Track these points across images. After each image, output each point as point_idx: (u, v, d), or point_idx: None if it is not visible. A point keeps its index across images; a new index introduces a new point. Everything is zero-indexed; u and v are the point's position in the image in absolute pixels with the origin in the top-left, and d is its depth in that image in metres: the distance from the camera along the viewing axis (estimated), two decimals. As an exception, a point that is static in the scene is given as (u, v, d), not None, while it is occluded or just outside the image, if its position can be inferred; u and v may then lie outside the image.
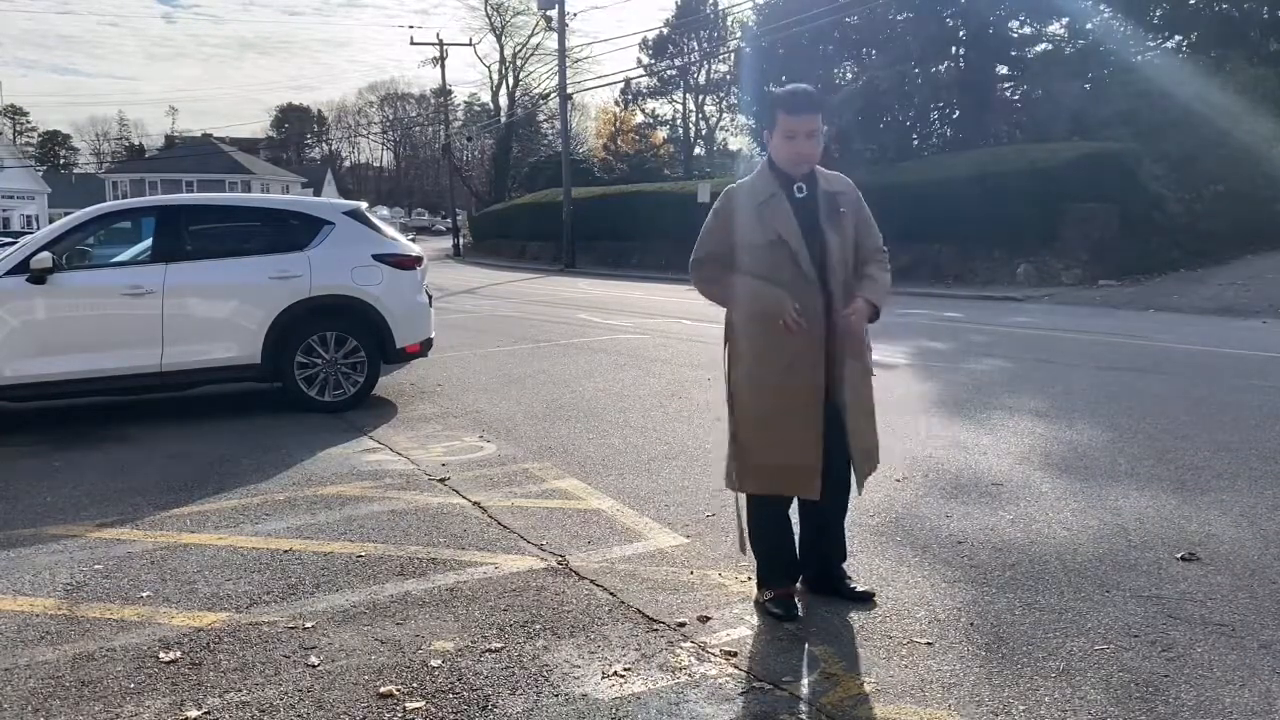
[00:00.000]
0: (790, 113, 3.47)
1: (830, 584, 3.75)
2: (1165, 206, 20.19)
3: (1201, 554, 4.14)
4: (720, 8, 50.13)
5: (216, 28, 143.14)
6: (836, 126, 25.53)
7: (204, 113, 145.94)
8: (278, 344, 7.59)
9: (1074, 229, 19.62)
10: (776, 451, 3.50)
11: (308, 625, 3.58)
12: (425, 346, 8.33)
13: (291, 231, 7.89)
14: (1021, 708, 2.90)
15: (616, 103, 59.52)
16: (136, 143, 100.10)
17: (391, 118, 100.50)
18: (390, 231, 8.56)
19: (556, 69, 38.82)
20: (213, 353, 7.48)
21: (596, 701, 2.99)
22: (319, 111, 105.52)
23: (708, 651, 3.31)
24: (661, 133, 60.63)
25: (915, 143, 28.68)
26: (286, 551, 4.41)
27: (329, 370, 7.77)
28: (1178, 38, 25.75)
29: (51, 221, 26.29)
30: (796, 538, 3.77)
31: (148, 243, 7.76)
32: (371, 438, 6.78)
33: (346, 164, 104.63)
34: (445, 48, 51.98)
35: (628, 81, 55.88)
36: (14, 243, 10.36)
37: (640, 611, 3.65)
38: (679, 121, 59.26)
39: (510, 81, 64.14)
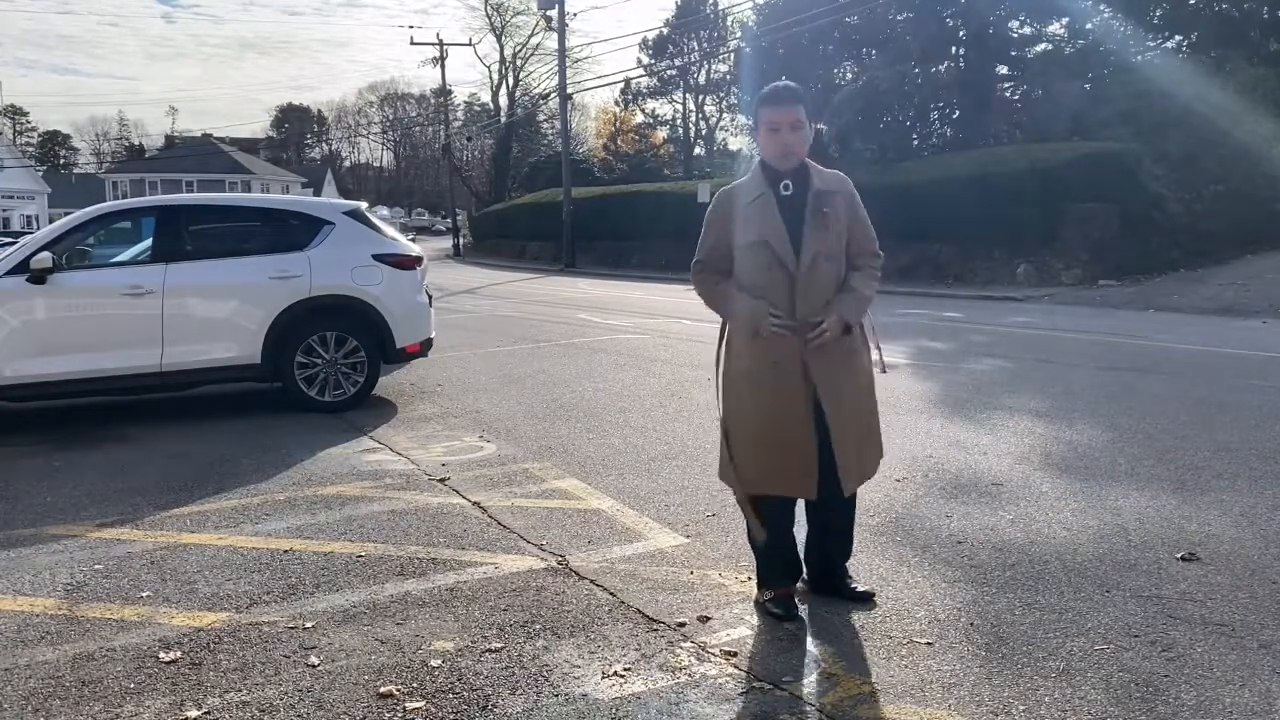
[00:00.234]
0: (771, 105, 3.48)
1: (831, 584, 3.74)
2: (1165, 206, 20.19)
3: (1201, 554, 4.14)
4: (720, 8, 50.17)
5: (216, 28, 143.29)
6: (836, 126, 25.53)
7: (204, 113, 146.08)
8: (278, 344, 7.59)
9: (1074, 229, 19.63)
10: (768, 452, 3.50)
11: (308, 625, 3.58)
12: (425, 346, 8.33)
13: (291, 231, 7.89)
14: (1021, 708, 2.90)
15: (616, 103, 59.58)
16: (136, 143, 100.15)
17: (391, 118, 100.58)
18: (390, 231, 8.56)
19: (556, 69, 38.86)
20: (213, 353, 7.48)
21: (596, 701, 2.99)
22: (319, 111, 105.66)
23: (708, 651, 3.31)
24: (661, 133, 60.63)
25: (915, 143, 28.66)
26: (286, 551, 4.41)
27: (329, 370, 7.77)
28: (1178, 38, 25.76)
29: (51, 221, 26.30)
30: (803, 537, 3.76)
31: (148, 243, 7.76)
32: (371, 438, 6.78)
33: (346, 164, 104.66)
34: (445, 48, 52.01)
35: (628, 81, 55.94)
36: (14, 243, 10.36)
37: (640, 611, 3.65)
38: (679, 121, 59.29)
39: (510, 81, 64.18)
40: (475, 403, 8.05)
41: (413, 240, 9.85)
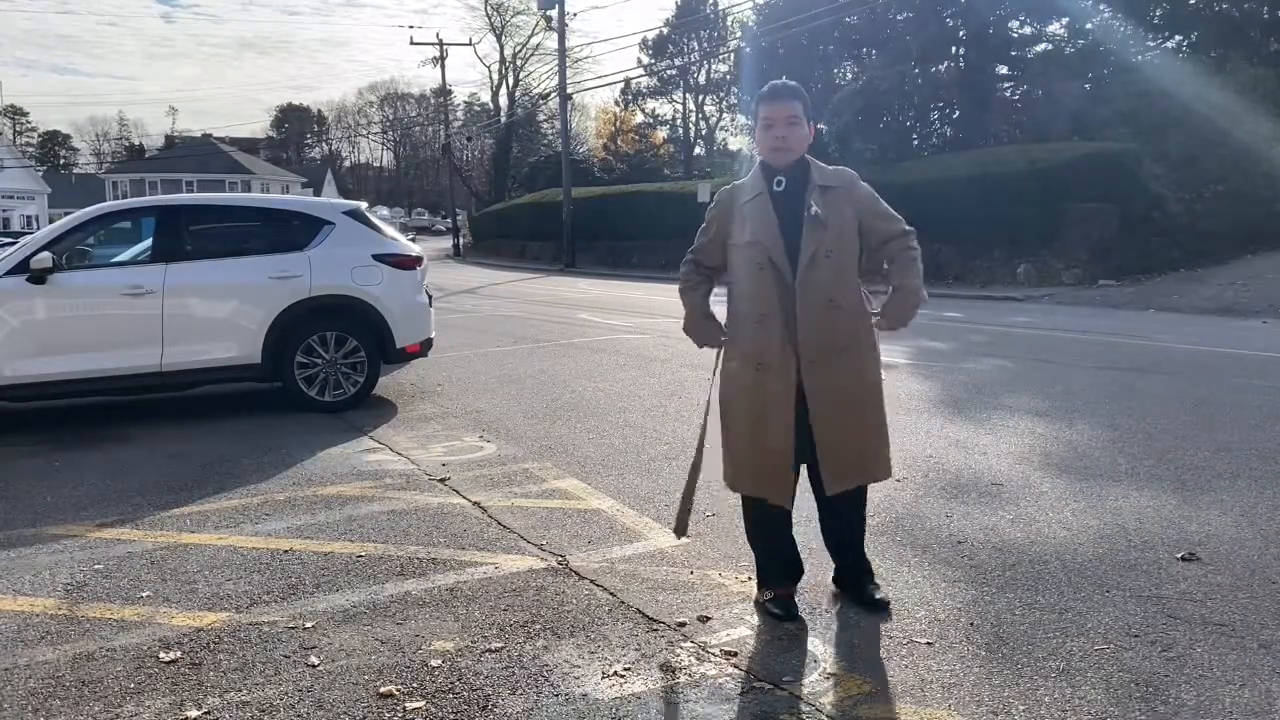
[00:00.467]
0: (767, 101, 3.48)
1: (851, 581, 3.70)
2: (1165, 206, 20.20)
3: (1201, 554, 4.14)
4: (720, 8, 50.19)
5: (216, 27, 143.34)
6: (836, 126, 25.55)
7: (204, 113, 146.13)
8: (278, 344, 7.59)
9: (1074, 229, 19.63)
10: (748, 453, 3.51)
11: (308, 625, 3.58)
12: (425, 346, 8.33)
13: (291, 231, 7.89)
14: (1021, 708, 2.90)
15: (616, 103, 59.58)
16: (136, 143, 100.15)
17: (391, 118, 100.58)
18: (390, 231, 8.55)
19: (556, 69, 38.88)
20: (213, 353, 7.48)
21: (596, 701, 2.99)
22: (319, 111, 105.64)
23: (708, 651, 3.31)
24: (661, 133, 60.63)
25: (915, 143, 28.67)
26: (286, 551, 4.41)
27: (329, 370, 7.77)
28: (1178, 38, 25.77)
29: (51, 221, 26.30)
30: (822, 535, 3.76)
31: (148, 243, 7.76)
32: (371, 438, 6.78)
33: (346, 164, 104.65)
34: (445, 48, 52.03)
35: (628, 81, 55.97)
36: (14, 243, 10.36)
37: (640, 611, 3.65)
38: (679, 121, 59.30)
39: (510, 81, 64.19)
40: (475, 403, 8.05)
41: (413, 240, 9.84)
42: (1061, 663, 3.18)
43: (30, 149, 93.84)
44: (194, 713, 2.96)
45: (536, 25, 57.59)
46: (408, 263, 8.15)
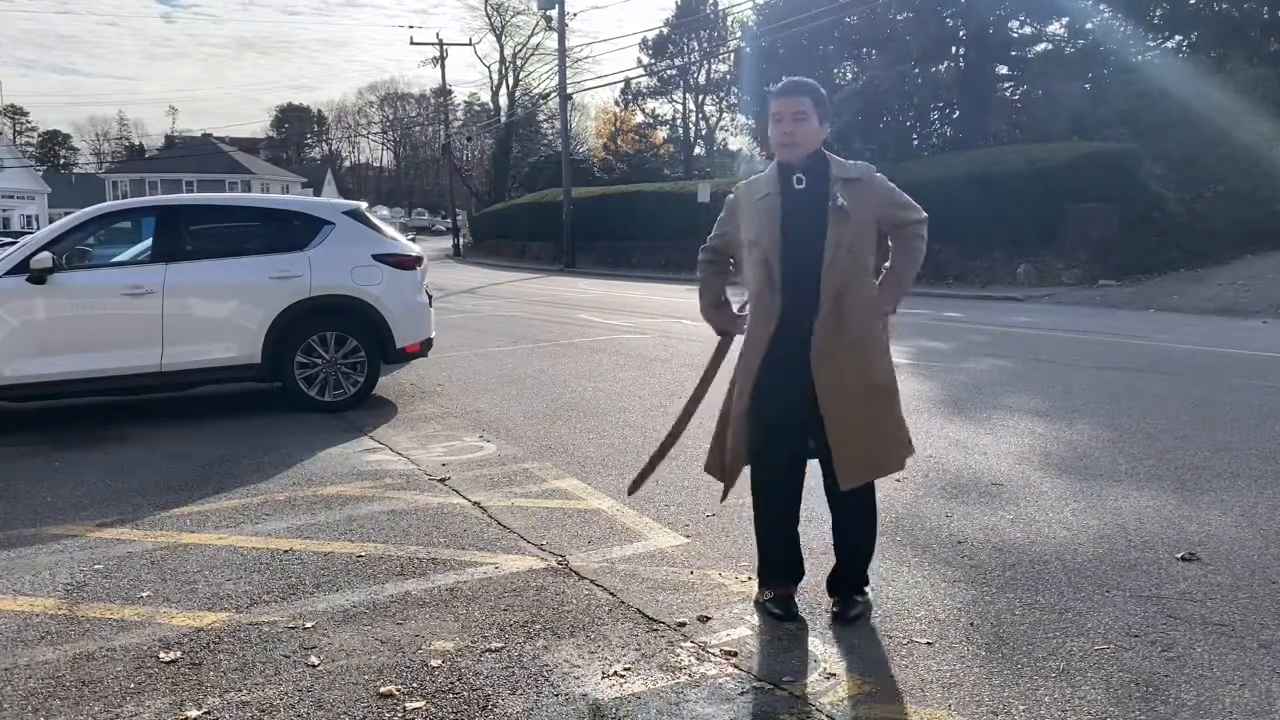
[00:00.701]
0: (777, 96, 3.49)
1: (835, 585, 3.68)
2: (1165, 206, 20.20)
3: (1201, 554, 4.14)
4: (720, 8, 50.19)
5: (215, 27, 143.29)
6: (836, 126, 25.53)
7: (204, 113, 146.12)
8: (278, 344, 7.59)
9: (1074, 229, 19.63)
10: (742, 422, 3.59)
11: (308, 625, 3.58)
12: (425, 346, 8.32)
13: (291, 231, 7.88)
14: (1021, 708, 2.90)
15: (616, 103, 59.59)
16: (136, 143, 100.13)
17: (391, 118, 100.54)
18: (390, 231, 8.55)
19: (556, 69, 38.88)
20: (213, 353, 7.48)
21: (596, 701, 2.99)
22: (319, 111, 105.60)
23: (708, 651, 3.31)
24: (661, 133, 60.65)
25: (915, 143, 28.69)
26: (286, 551, 4.41)
27: (329, 370, 7.77)
28: (1178, 38, 25.77)
29: (51, 221, 26.29)
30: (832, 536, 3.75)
31: (148, 243, 7.76)
32: (371, 438, 6.78)
33: (346, 164, 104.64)
34: (445, 48, 52.01)
35: (628, 81, 55.96)
36: (14, 243, 10.36)
37: (640, 611, 3.65)
38: (679, 121, 59.31)
39: (510, 81, 64.18)
40: (475, 403, 8.05)
41: (413, 240, 9.85)
42: (1061, 663, 3.18)
43: (30, 149, 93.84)
44: (194, 713, 2.96)
45: (536, 25, 57.62)
46: (408, 263, 8.15)
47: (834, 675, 3.14)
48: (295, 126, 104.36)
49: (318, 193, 71.93)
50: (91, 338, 7.22)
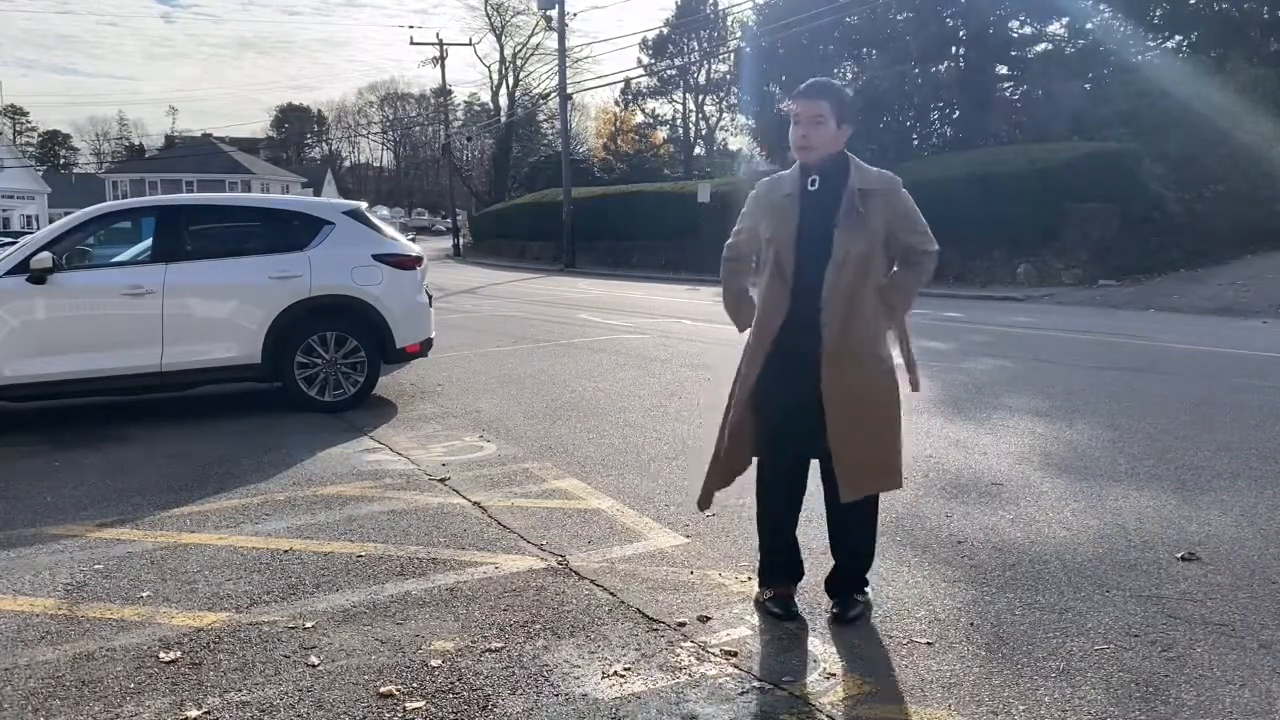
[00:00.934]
0: (796, 98, 3.49)
1: (834, 587, 3.68)
2: (1165, 206, 20.20)
3: (1201, 554, 4.14)
4: (720, 8, 50.20)
5: (215, 27, 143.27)
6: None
7: (204, 113, 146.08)
8: (278, 344, 7.59)
9: (1074, 229, 19.63)
10: (743, 415, 3.59)
11: (308, 625, 3.58)
12: (425, 346, 8.32)
13: (291, 231, 7.88)
14: (1021, 708, 2.90)
15: (616, 103, 59.60)
16: (136, 143, 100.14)
17: (391, 118, 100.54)
18: (390, 231, 8.55)
19: (556, 69, 38.88)
20: (213, 353, 7.48)
21: (596, 701, 2.99)
22: (319, 111, 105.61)
23: (708, 651, 3.31)
24: (661, 133, 60.67)
25: (915, 143, 28.70)
26: (286, 551, 4.41)
27: (329, 370, 7.77)
28: (1178, 38, 25.78)
29: (51, 221, 26.28)
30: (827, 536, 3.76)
31: (148, 243, 7.76)
32: (371, 438, 6.78)
33: (346, 164, 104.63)
34: (445, 48, 51.99)
35: (628, 81, 55.98)
36: (14, 243, 10.36)
37: (640, 611, 3.65)
38: (679, 121, 59.33)
39: (510, 81, 64.18)
40: (475, 403, 8.05)
41: (413, 240, 9.84)
42: (1061, 663, 3.18)
43: (30, 149, 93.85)
44: (194, 713, 2.96)
45: (536, 25, 57.62)
46: (408, 263, 8.15)
47: (834, 675, 3.14)
48: (295, 126, 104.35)
49: (318, 193, 71.94)
50: (91, 338, 7.22)
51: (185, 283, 7.42)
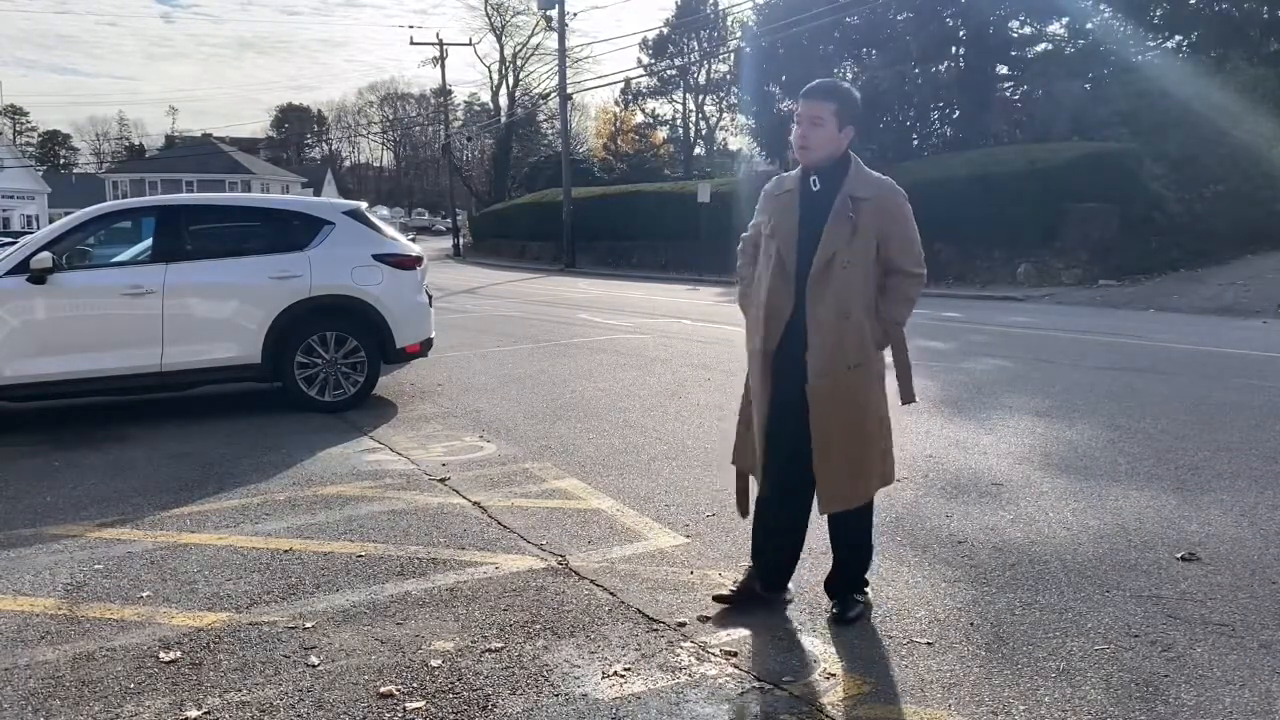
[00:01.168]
0: (800, 98, 3.50)
1: (832, 588, 3.68)
2: (1165, 206, 20.20)
3: (1201, 554, 4.14)
4: (720, 8, 50.19)
5: (215, 27, 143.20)
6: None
7: (204, 113, 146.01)
8: (278, 344, 7.59)
9: (1074, 229, 19.64)
10: (744, 429, 3.66)
11: (308, 625, 3.58)
12: (425, 346, 8.32)
13: (291, 231, 7.88)
14: (1021, 708, 2.90)
15: (616, 103, 59.62)
16: (136, 143, 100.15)
17: (391, 118, 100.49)
18: (390, 231, 8.55)
19: (556, 69, 38.87)
20: (213, 353, 7.48)
21: (596, 701, 2.99)
22: (319, 111, 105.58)
23: (708, 651, 3.31)
24: (661, 133, 60.66)
25: (915, 143, 28.69)
26: (286, 551, 4.41)
27: (329, 370, 7.77)
28: (1178, 38, 25.78)
29: (51, 221, 26.28)
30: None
31: (148, 243, 7.76)
32: (371, 438, 6.78)
33: (346, 164, 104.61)
34: (445, 48, 51.99)
35: (628, 81, 55.98)
36: (14, 243, 10.36)
37: (640, 611, 3.65)
38: (679, 121, 59.31)
39: (510, 81, 64.16)
40: (475, 403, 8.05)
41: (413, 240, 9.84)
42: (1061, 663, 3.18)
43: (30, 149, 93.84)
44: (194, 713, 2.96)
45: (536, 25, 57.61)
46: (408, 263, 8.15)
47: (834, 675, 3.14)
48: (295, 126, 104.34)
49: (318, 193, 71.92)
50: (92, 338, 7.22)
51: (185, 283, 7.42)
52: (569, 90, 38.20)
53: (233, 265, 7.70)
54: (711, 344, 11.29)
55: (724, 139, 57.82)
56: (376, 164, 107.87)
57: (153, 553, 4.43)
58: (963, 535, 4.45)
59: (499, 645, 3.38)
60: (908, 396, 3.56)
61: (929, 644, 3.34)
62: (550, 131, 61.68)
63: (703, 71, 55.50)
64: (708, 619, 3.57)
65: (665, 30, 53.43)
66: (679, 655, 3.29)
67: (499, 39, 62.83)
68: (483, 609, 3.71)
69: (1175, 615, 3.53)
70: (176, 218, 7.74)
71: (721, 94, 54.99)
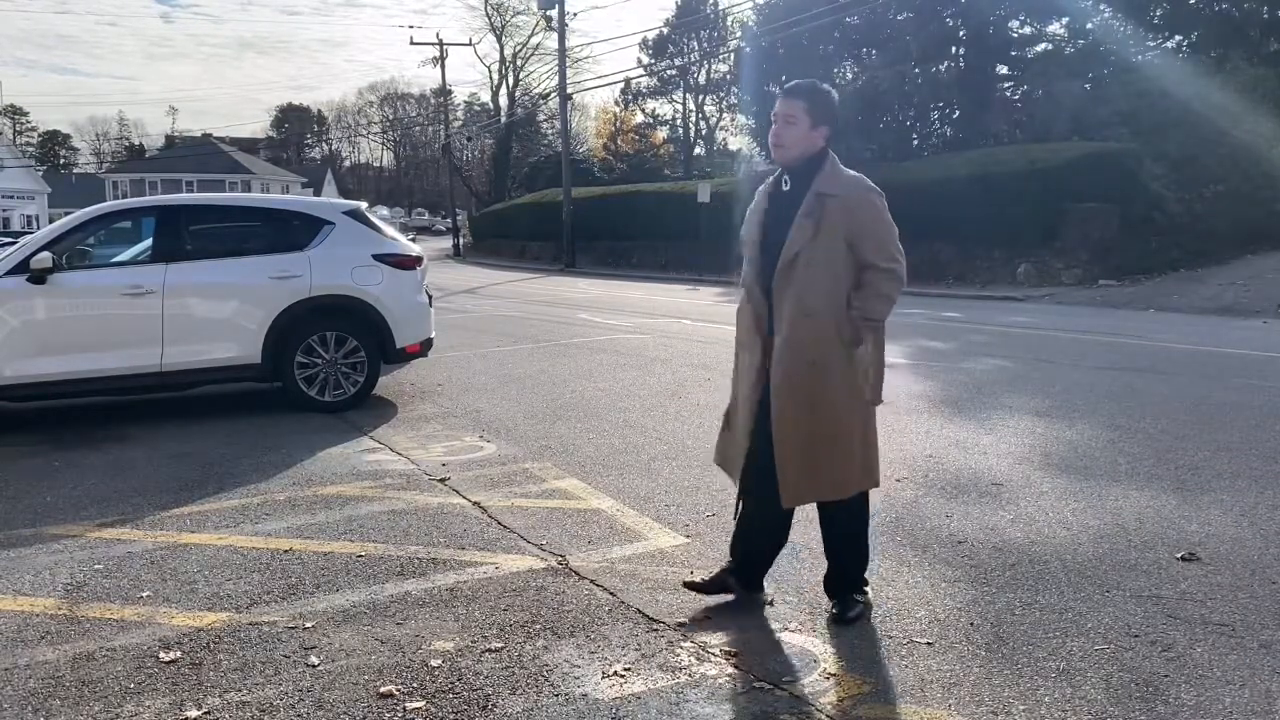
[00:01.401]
0: (778, 97, 3.53)
1: (832, 588, 3.68)
2: (1165, 206, 20.20)
3: (1201, 554, 4.14)
4: (720, 8, 50.16)
5: (215, 27, 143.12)
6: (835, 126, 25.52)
7: (204, 113, 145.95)
8: (278, 344, 7.59)
9: (1074, 229, 19.63)
10: (726, 426, 3.70)
11: (308, 625, 3.58)
12: (425, 346, 8.32)
13: (291, 231, 7.88)
14: (1021, 708, 2.90)
15: (616, 103, 59.58)
16: (136, 143, 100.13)
17: (391, 118, 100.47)
18: (390, 231, 8.55)
19: (556, 69, 38.86)
20: (213, 353, 7.48)
21: (596, 701, 2.99)
22: (319, 111, 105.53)
23: (708, 651, 3.31)
24: (661, 133, 60.63)
25: (915, 143, 28.69)
26: (286, 551, 4.41)
27: (329, 370, 7.77)
28: (1178, 38, 25.78)
29: (51, 221, 26.28)
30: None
31: (148, 243, 7.76)
32: (371, 438, 6.78)
33: (346, 164, 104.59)
34: (445, 48, 51.96)
35: (628, 81, 55.94)
36: (14, 243, 10.36)
37: (640, 611, 3.65)
38: (679, 121, 59.28)
39: (510, 81, 64.14)
40: (475, 403, 8.05)
41: (413, 240, 9.84)
42: (1061, 663, 3.18)
43: (30, 149, 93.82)
44: (194, 713, 2.96)
45: (536, 25, 57.58)
46: (408, 263, 8.15)
47: (834, 675, 3.14)
48: (295, 126, 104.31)
49: (318, 193, 71.92)
50: (92, 338, 7.22)
51: (185, 283, 7.42)
52: (569, 90, 38.20)
53: (233, 265, 7.70)
54: (711, 344, 11.29)
55: (724, 139, 57.85)
56: (376, 164, 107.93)
57: (153, 553, 4.43)
58: (963, 535, 4.45)
59: (499, 645, 3.38)
60: (874, 397, 3.48)
61: (929, 644, 3.34)
62: (550, 131, 61.67)
63: (703, 71, 55.49)
64: (708, 619, 3.57)
65: (665, 30, 53.43)
66: (679, 655, 3.29)
67: (499, 39, 62.86)
68: (483, 609, 3.71)
69: (1175, 615, 3.53)
70: (176, 218, 7.74)
71: (721, 94, 54.98)
